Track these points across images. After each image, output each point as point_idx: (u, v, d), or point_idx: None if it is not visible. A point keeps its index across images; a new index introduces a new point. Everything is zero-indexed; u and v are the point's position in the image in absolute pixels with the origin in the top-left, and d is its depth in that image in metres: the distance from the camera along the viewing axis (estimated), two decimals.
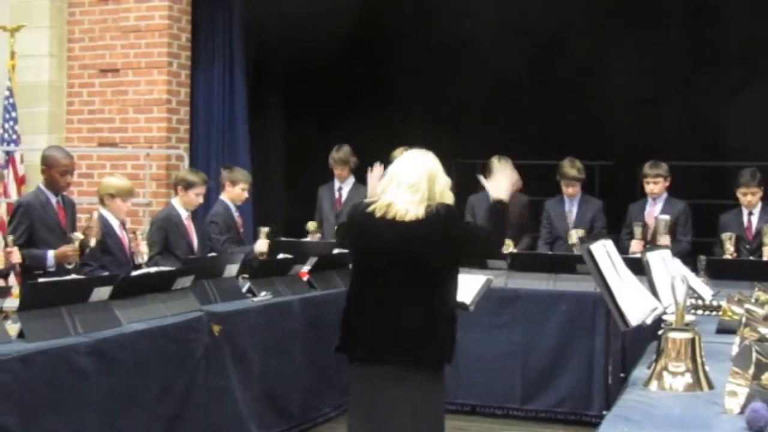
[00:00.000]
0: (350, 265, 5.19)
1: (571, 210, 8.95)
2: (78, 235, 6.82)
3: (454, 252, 4.88)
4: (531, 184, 9.42)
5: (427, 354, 4.83)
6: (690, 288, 5.16)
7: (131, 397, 5.49)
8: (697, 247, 8.56)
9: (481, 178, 5.35)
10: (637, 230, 8.39)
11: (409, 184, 4.82)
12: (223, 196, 8.49)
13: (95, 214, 7.06)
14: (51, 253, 6.81)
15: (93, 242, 6.95)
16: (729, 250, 8.06)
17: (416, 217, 4.76)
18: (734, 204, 8.51)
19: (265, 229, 8.42)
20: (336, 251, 7.83)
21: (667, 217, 8.39)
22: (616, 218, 8.96)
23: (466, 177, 9.24)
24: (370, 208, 4.87)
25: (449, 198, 4.94)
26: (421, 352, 4.81)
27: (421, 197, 4.80)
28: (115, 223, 7.47)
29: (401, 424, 4.80)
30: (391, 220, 4.79)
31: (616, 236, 8.23)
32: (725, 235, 8.16)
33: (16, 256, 6.20)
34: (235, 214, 8.47)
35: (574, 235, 8.46)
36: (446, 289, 4.93)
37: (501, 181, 5.13)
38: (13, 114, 10.70)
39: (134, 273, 6.60)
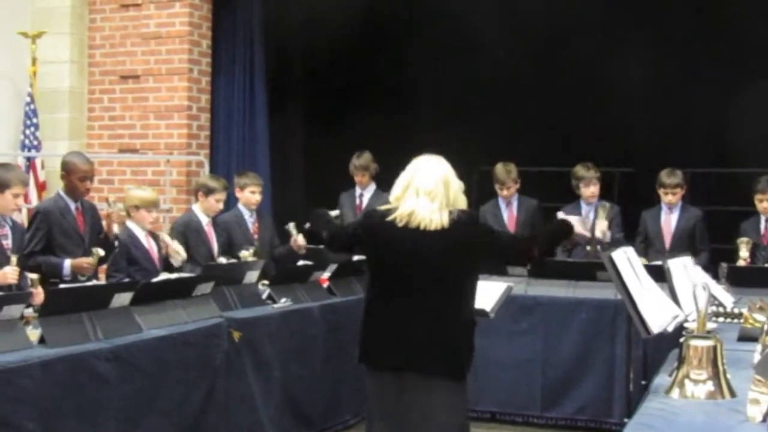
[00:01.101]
0: (366, 273, 5.19)
1: (589, 216, 8.91)
2: (98, 251, 6.82)
3: (474, 259, 4.92)
4: (549, 191, 9.46)
5: (449, 362, 4.84)
6: (711, 295, 5.14)
7: (151, 403, 5.50)
8: (715, 254, 8.52)
9: (560, 214, 5.42)
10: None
11: (426, 191, 4.84)
12: (239, 203, 8.50)
13: (115, 204, 7.06)
14: (68, 263, 6.83)
15: (116, 228, 6.96)
16: (743, 255, 8.01)
17: (441, 225, 4.78)
18: (754, 211, 8.46)
19: (292, 225, 8.35)
20: (356, 258, 7.80)
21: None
22: (635, 226, 8.93)
23: (488, 185, 9.25)
24: (391, 218, 4.87)
25: (462, 201, 4.99)
26: (443, 361, 4.82)
27: (441, 203, 4.83)
28: (141, 234, 7.48)
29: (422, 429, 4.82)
30: (415, 229, 4.81)
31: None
32: (741, 240, 8.12)
33: (14, 277, 6.15)
34: (250, 220, 8.42)
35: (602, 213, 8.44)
36: (467, 297, 4.94)
37: (580, 225, 5.32)
38: (35, 120, 10.75)
39: (157, 279, 6.62)
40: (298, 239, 8.23)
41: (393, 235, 4.85)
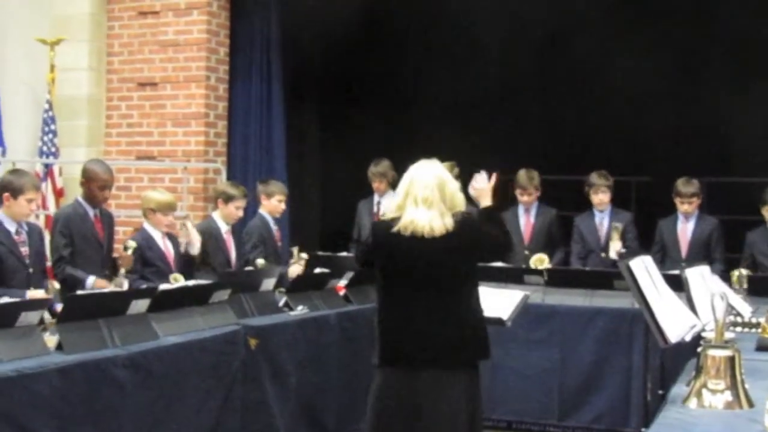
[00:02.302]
0: (378, 281, 5.31)
1: (602, 223, 8.91)
2: (121, 282, 6.84)
3: (478, 257, 5.23)
4: (563, 200, 9.45)
5: (463, 355, 5.09)
6: (729, 305, 5.12)
7: (168, 410, 5.50)
8: (732, 264, 8.49)
9: (470, 191, 5.46)
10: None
11: (423, 198, 5.05)
12: (262, 210, 8.51)
13: (131, 245, 7.07)
14: (90, 281, 6.87)
15: (123, 272, 7.00)
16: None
17: (446, 229, 5.00)
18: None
19: (295, 249, 8.41)
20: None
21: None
22: (652, 235, 8.91)
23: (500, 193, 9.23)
24: (395, 229, 5.06)
25: (460, 200, 5.19)
26: (457, 354, 5.06)
27: (439, 209, 5.04)
28: (156, 235, 7.51)
29: (443, 423, 5.01)
30: (419, 237, 5.01)
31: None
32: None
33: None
34: (274, 228, 8.46)
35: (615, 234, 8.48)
36: (473, 294, 5.18)
37: (481, 189, 5.37)
38: (53, 127, 10.78)
39: (173, 285, 6.64)
40: (300, 263, 8.28)
41: (399, 244, 5.05)
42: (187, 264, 7.64)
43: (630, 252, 7.87)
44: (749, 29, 9.80)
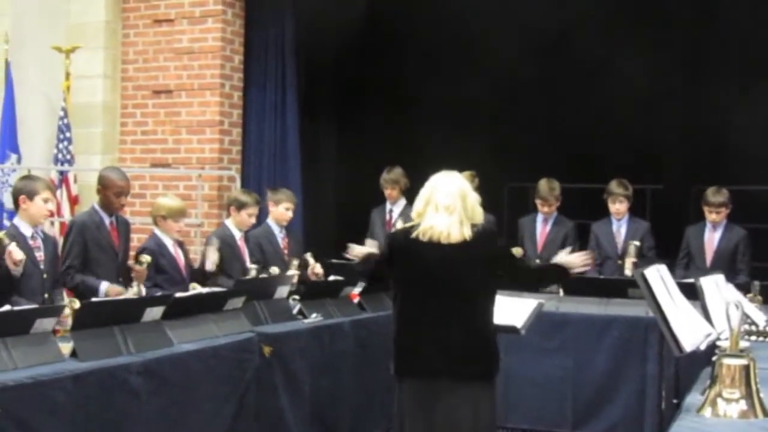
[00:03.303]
0: (394, 290, 5.41)
1: (619, 230, 8.91)
2: (136, 291, 6.85)
3: (494, 269, 5.25)
4: (580, 208, 9.42)
5: (480, 365, 5.18)
6: (744, 313, 5.11)
7: (182, 417, 5.51)
8: (757, 273, 8.46)
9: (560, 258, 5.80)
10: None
11: (445, 205, 5.14)
12: (269, 218, 8.50)
13: (146, 259, 7.07)
14: (103, 287, 6.88)
15: (135, 286, 7.01)
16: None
17: (463, 237, 5.10)
18: None
19: (309, 255, 8.40)
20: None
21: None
22: (668, 242, 8.89)
23: (516, 202, 9.24)
24: (414, 234, 5.16)
25: (479, 213, 5.31)
26: (475, 365, 5.16)
27: (459, 216, 5.14)
28: (168, 242, 7.51)
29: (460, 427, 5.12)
30: (437, 243, 5.10)
31: (670, 261, 8.14)
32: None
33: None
34: (279, 236, 8.42)
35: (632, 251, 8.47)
36: (489, 305, 5.26)
37: (576, 260, 5.64)
38: (68, 134, 10.82)
39: (188, 292, 6.65)
40: (316, 268, 8.27)
41: (418, 250, 5.16)
42: (198, 275, 7.64)
43: (646, 261, 7.86)
44: None
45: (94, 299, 5.92)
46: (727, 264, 8.31)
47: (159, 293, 6.75)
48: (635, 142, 10.69)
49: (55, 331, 5.27)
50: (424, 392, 5.16)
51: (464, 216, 5.16)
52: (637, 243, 8.54)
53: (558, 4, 10.45)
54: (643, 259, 8.39)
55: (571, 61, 10.66)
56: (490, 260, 5.20)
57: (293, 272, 7.89)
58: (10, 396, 4.45)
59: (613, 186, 8.86)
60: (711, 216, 8.57)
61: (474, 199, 5.28)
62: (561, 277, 5.86)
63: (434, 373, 5.12)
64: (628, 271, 8.39)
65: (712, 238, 8.63)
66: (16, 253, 6.08)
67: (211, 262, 7.65)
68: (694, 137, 10.62)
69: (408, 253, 5.21)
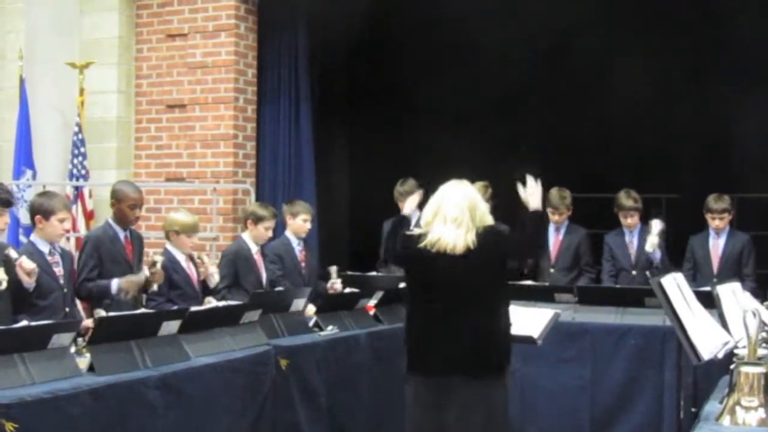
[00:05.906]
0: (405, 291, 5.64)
1: (632, 241, 8.88)
2: (158, 258, 6.90)
3: (502, 268, 5.40)
4: (592, 217, 9.40)
5: (489, 360, 5.28)
6: (762, 321, 5.09)
7: (199, 431, 5.51)
8: (763, 280, 8.45)
9: (519, 188, 5.62)
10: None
11: (453, 218, 5.25)
12: (287, 231, 8.50)
13: (159, 259, 7.08)
14: (115, 282, 6.89)
15: (155, 287, 7.02)
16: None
17: (468, 246, 5.20)
18: None
19: (334, 269, 8.41)
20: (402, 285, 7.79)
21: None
22: (683, 251, 8.87)
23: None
24: (422, 244, 5.27)
25: (489, 221, 5.40)
26: (483, 360, 5.26)
27: (467, 228, 5.22)
28: (181, 258, 7.52)
29: (472, 422, 5.20)
30: (443, 253, 5.21)
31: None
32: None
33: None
34: (297, 249, 8.42)
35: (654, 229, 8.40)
36: (500, 306, 5.38)
37: (534, 192, 5.53)
38: (82, 149, 10.84)
39: (204, 306, 6.66)
40: (336, 284, 8.28)
41: (424, 260, 5.29)
42: (208, 290, 7.65)
43: (661, 269, 7.83)
44: None
45: (111, 314, 5.91)
46: (734, 270, 8.29)
47: (173, 308, 6.76)
48: (641, 148, 10.66)
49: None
50: (436, 389, 5.25)
51: (472, 227, 5.25)
52: (661, 222, 8.45)
53: (566, 8, 10.43)
54: (657, 269, 8.34)
55: (578, 66, 10.63)
56: (497, 258, 5.33)
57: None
58: (27, 411, 4.46)
59: (623, 199, 8.78)
60: (714, 222, 8.56)
61: (484, 209, 5.37)
62: (535, 218, 5.54)
63: (446, 370, 5.23)
64: (649, 247, 8.33)
65: (716, 246, 8.62)
66: (27, 263, 6.07)
67: (213, 278, 7.64)
68: (702, 145, 10.58)
69: (416, 261, 5.36)
